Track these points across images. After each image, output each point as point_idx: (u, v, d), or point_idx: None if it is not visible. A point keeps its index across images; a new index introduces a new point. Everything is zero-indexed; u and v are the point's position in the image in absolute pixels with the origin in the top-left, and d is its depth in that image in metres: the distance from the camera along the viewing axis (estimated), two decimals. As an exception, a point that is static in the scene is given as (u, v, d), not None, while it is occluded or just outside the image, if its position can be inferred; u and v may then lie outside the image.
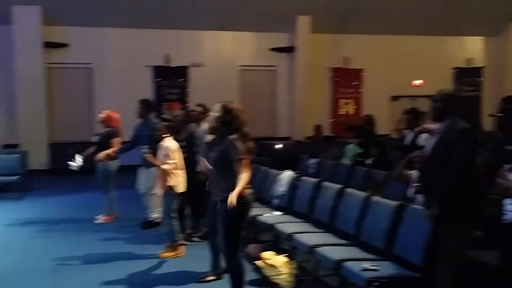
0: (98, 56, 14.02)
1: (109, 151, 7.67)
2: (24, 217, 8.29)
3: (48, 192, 10.65)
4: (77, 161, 7.82)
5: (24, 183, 10.21)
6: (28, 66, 12.97)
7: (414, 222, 4.18)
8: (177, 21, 14.01)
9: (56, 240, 6.90)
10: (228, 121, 4.21)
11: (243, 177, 4.06)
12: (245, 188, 4.16)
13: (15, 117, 13.17)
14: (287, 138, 14.57)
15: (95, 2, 13.07)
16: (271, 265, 4.84)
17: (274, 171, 7.02)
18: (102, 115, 8.06)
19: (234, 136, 4.13)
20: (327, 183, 5.83)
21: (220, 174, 4.25)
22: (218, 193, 4.31)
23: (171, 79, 14.67)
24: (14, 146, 12.61)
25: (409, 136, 6.53)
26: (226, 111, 4.25)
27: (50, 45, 13.45)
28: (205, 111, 6.82)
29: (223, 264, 5.20)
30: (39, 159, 12.83)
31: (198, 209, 6.66)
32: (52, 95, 13.78)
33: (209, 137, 6.45)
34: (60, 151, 13.38)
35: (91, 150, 7.99)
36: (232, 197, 3.97)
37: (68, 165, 7.85)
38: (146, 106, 7.79)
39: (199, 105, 7.03)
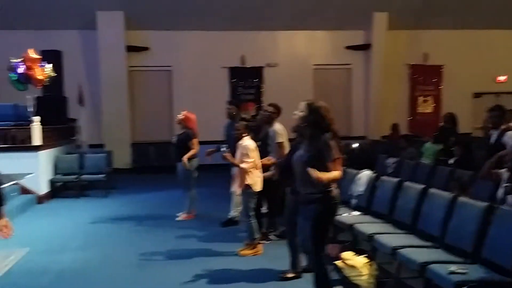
0: (177, 59, 14.49)
1: (189, 154, 7.88)
2: (110, 213, 8.69)
3: (131, 190, 11.10)
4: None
5: (109, 181, 10.72)
6: (112, 69, 13.66)
7: (505, 224, 3.97)
8: (252, 22, 14.18)
9: (140, 236, 7.18)
10: (315, 121, 4.08)
11: (336, 172, 3.98)
12: (334, 187, 4.11)
13: (100, 118, 13.86)
14: (362, 137, 14.34)
15: (174, 7, 13.49)
16: (351, 266, 4.77)
17: (352, 171, 6.91)
18: (180, 116, 8.27)
19: (327, 135, 4.02)
20: (408, 183, 5.67)
21: (305, 175, 4.04)
22: (306, 194, 4.15)
23: (246, 80, 14.88)
24: (99, 146, 13.29)
25: (494, 134, 6.20)
26: (312, 110, 4.12)
27: (132, 49, 14.07)
28: (277, 111, 6.85)
29: (302, 262, 5.22)
30: (122, 159, 13.45)
31: (273, 207, 6.72)
32: (134, 97, 14.40)
33: (281, 138, 6.52)
34: (142, 151, 14.00)
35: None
36: (321, 175, 3.86)
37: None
38: (235, 107, 7.90)
39: (270, 105, 7.02)
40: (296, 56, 15.08)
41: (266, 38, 14.83)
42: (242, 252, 6.03)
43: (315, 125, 4.09)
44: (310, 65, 15.14)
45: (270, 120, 6.75)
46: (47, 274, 5.53)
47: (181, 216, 8.11)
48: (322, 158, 3.97)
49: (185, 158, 7.86)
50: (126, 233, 7.44)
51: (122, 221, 8.15)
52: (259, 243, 6.14)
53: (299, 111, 4.17)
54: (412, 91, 15.69)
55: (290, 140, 6.16)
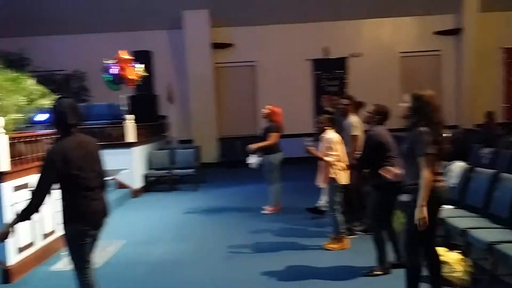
0: (260, 53, 14.63)
1: (259, 144, 7.99)
2: (200, 207, 9.00)
3: (219, 184, 11.41)
4: (252, 159, 8.19)
5: (198, 176, 11.06)
6: (199, 67, 14.06)
7: None
8: (336, 12, 13.99)
9: (228, 229, 7.38)
10: (418, 108, 3.98)
11: (424, 179, 3.80)
12: (440, 179, 3.99)
13: (189, 114, 14.32)
14: (454, 127, 13.69)
15: (256, 2, 13.62)
16: (444, 262, 4.59)
17: (443, 162, 6.62)
18: (265, 110, 8.37)
19: (423, 128, 3.89)
20: (505, 175, 5.34)
21: (408, 166, 4.04)
22: (405, 186, 4.09)
23: (330, 71, 14.71)
24: (188, 141, 13.74)
25: None
26: (416, 99, 4.03)
27: (217, 46, 14.37)
28: (351, 103, 6.74)
29: (390, 258, 5.10)
30: (210, 153, 13.83)
31: (357, 202, 6.61)
32: (220, 93, 14.72)
33: (356, 131, 6.38)
34: (228, 145, 14.31)
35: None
36: (417, 212, 3.80)
37: (247, 164, 8.24)
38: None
39: (346, 97, 6.95)
40: (382, 44, 14.69)
41: (349, 28, 14.57)
42: (328, 246, 6.00)
43: (417, 113, 3.99)
44: (396, 53, 14.68)
45: (345, 113, 6.67)
46: (143, 265, 5.83)
47: (267, 209, 8.21)
48: (415, 150, 3.88)
49: (253, 145, 7.97)
50: (215, 225, 7.67)
51: (212, 214, 8.41)
52: (346, 237, 6.07)
53: (405, 102, 4.09)
54: (508, 76, 14.76)
55: (365, 131, 6.03)
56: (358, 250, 5.86)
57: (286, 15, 14.08)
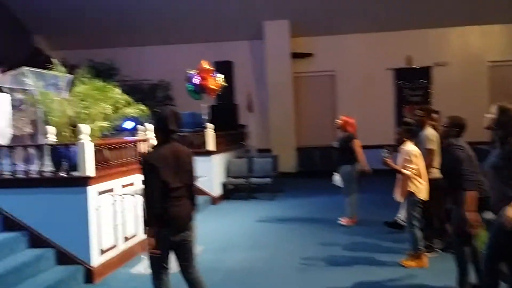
0: (340, 63, 14.49)
1: (360, 158, 7.97)
2: (276, 216, 9.04)
3: (297, 194, 11.40)
4: (337, 177, 8.17)
5: (275, 185, 11.11)
6: (278, 77, 14.17)
7: None
8: (420, 20, 13.60)
9: (303, 240, 7.34)
10: (504, 122, 3.87)
11: None
12: None
13: (267, 124, 14.45)
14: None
15: (336, 11, 13.54)
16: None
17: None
18: (339, 121, 8.34)
19: None
20: None
21: (498, 180, 3.87)
22: (494, 201, 3.95)
23: (413, 81, 14.28)
24: (267, 150, 13.85)
25: None
26: (502, 111, 3.91)
27: (296, 56, 14.42)
28: (427, 115, 6.50)
29: (472, 279, 4.85)
30: (288, 163, 13.85)
31: (439, 217, 6.35)
32: (298, 102, 14.73)
33: (431, 144, 6.12)
34: (307, 155, 14.26)
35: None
36: (508, 212, 3.65)
37: (332, 181, 8.26)
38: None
39: (421, 108, 6.71)
40: (469, 53, 14.07)
41: (434, 36, 14.09)
42: (406, 263, 5.81)
43: (503, 127, 3.86)
44: (484, 62, 14.00)
45: (421, 124, 6.44)
46: (219, 272, 5.94)
47: (343, 220, 8.11)
48: (509, 163, 3.71)
49: (363, 163, 8.00)
50: (290, 235, 7.67)
51: (287, 224, 8.43)
52: (424, 254, 5.85)
53: (491, 114, 3.95)
54: None
55: (444, 146, 5.76)
56: (437, 269, 5.62)
57: (366, 24, 13.88)
